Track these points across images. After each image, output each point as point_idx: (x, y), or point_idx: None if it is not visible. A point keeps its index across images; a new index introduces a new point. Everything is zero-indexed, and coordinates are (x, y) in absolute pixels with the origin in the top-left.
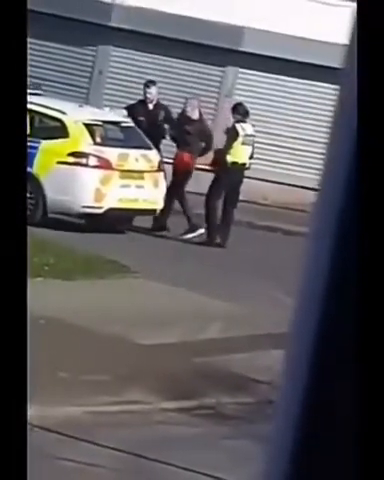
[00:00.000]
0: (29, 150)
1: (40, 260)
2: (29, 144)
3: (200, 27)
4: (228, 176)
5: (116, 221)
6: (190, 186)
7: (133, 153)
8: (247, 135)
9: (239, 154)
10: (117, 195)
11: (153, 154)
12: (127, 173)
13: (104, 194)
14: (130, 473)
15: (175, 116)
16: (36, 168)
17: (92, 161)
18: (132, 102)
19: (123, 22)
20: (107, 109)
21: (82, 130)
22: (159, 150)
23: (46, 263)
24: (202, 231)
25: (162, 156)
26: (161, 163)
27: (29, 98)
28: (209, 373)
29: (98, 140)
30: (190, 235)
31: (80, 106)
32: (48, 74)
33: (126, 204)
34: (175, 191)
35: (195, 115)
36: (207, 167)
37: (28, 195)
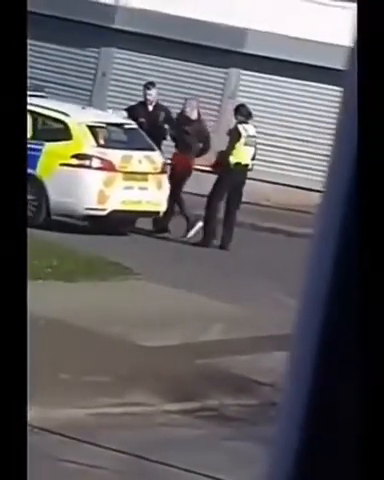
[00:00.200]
0: (33, 152)
1: (43, 262)
2: (33, 146)
3: (203, 29)
4: (230, 177)
5: (119, 223)
6: (191, 187)
7: (136, 155)
8: (249, 136)
9: (241, 155)
10: (120, 197)
11: (156, 156)
12: (130, 175)
13: (107, 196)
14: (132, 475)
15: (175, 117)
16: (39, 170)
17: (95, 163)
18: (134, 104)
19: (126, 24)
20: (110, 111)
21: (85, 132)
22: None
23: (49, 265)
24: (200, 224)
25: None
26: (164, 165)
27: (32, 100)
28: (211, 375)
29: (101, 142)
30: (190, 233)
31: (83, 108)
32: (51, 76)
33: (129, 206)
34: (173, 192)
35: (194, 115)
36: (209, 168)
37: (31, 197)
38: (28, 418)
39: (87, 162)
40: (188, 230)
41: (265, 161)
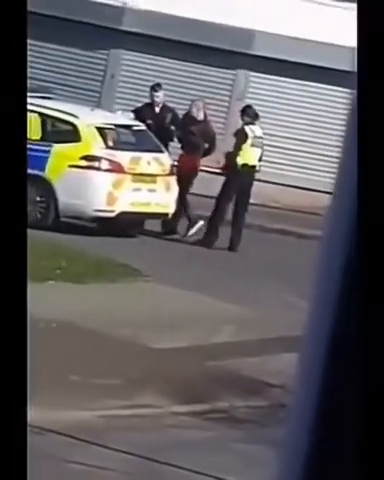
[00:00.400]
0: (41, 154)
1: (52, 263)
2: (41, 148)
3: (208, 30)
4: (238, 178)
5: (128, 225)
6: (199, 189)
7: (145, 156)
8: (256, 137)
9: (248, 156)
10: (129, 199)
11: (165, 157)
12: (139, 177)
13: (116, 198)
14: (141, 476)
15: (181, 118)
16: (48, 172)
17: (104, 165)
18: (140, 105)
19: (135, 26)
20: (119, 113)
21: (94, 134)
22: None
23: (58, 266)
24: (201, 223)
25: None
26: (173, 166)
27: (41, 102)
28: (221, 377)
29: (110, 144)
30: (190, 232)
31: (92, 110)
32: (60, 78)
33: (138, 208)
34: (180, 192)
35: (200, 116)
36: (217, 170)
37: (40, 199)
38: (37, 420)
39: (96, 164)
40: (188, 229)
41: (272, 162)
